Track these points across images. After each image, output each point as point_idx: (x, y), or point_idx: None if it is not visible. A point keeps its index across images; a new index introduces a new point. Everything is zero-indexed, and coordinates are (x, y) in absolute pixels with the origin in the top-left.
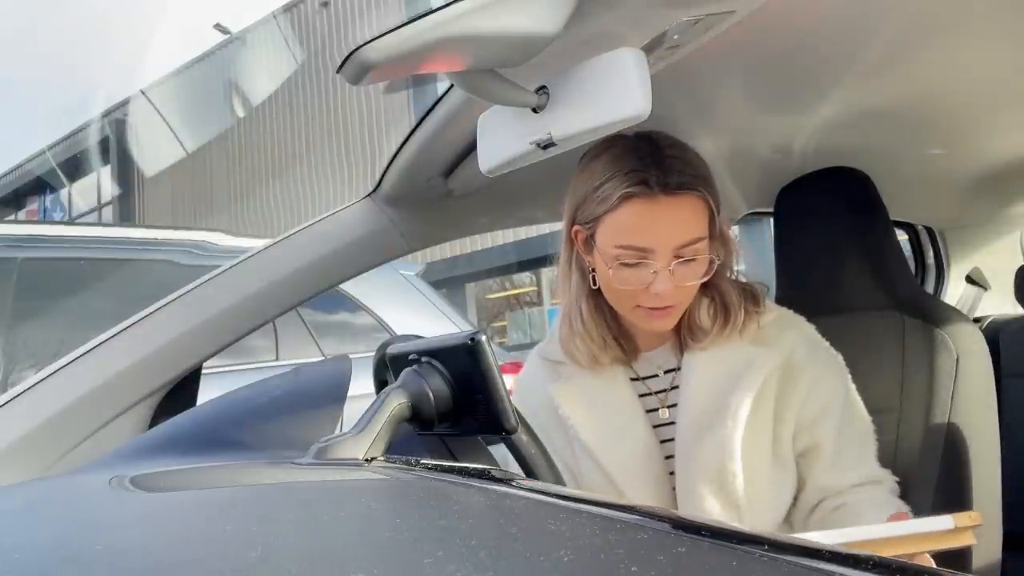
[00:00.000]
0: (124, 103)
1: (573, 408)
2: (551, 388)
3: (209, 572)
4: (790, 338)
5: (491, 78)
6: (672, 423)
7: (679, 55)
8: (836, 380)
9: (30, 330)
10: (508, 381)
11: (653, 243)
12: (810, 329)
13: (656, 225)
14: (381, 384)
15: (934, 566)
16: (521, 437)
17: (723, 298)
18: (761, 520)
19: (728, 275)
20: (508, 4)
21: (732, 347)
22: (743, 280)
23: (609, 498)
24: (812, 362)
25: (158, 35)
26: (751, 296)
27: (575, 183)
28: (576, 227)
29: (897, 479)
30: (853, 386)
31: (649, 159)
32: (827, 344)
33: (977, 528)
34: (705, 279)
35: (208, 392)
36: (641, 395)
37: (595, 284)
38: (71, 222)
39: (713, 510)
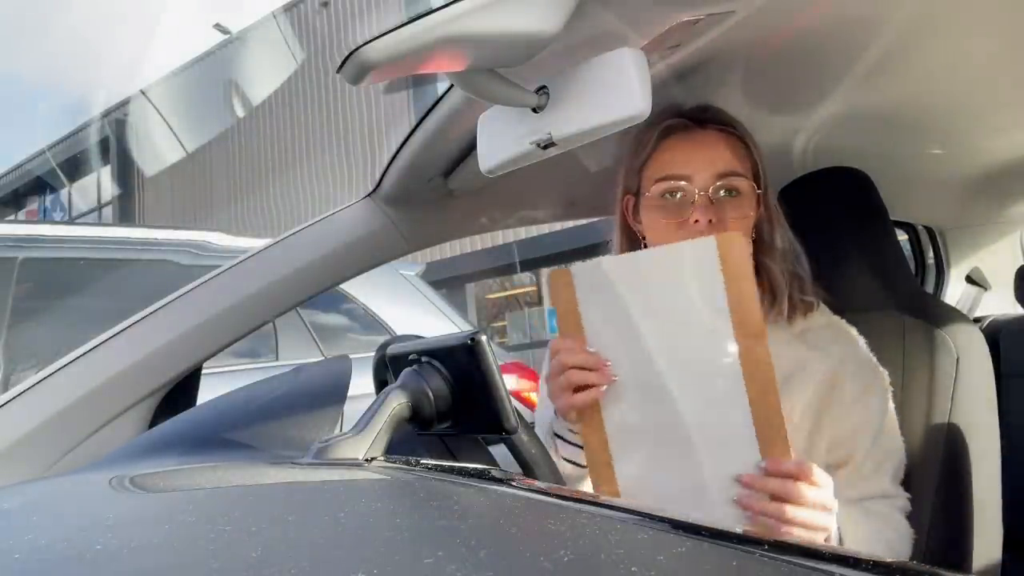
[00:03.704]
0: (124, 103)
1: None
2: None
3: (209, 572)
4: (840, 348)
5: (491, 78)
6: None
7: (679, 55)
8: (879, 398)
9: (30, 330)
10: (508, 381)
11: (691, 169)
12: (861, 342)
13: (693, 154)
14: (381, 384)
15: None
16: (521, 437)
17: (772, 280)
18: None
19: (780, 259)
20: (508, 4)
21: (784, 345)
22: (802, 272)
23: (609, 498)
24: (858, 377)
25: (158, 35)
26: (799, 284)
27: (625, 153)
28: (627, 196)
29: (909, 496)
30: (892, 404)
31: (684, 105)
32: (875, 360)
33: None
34: (749, 218)
35: (208, 392)
36: None
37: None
38: (71, 222)
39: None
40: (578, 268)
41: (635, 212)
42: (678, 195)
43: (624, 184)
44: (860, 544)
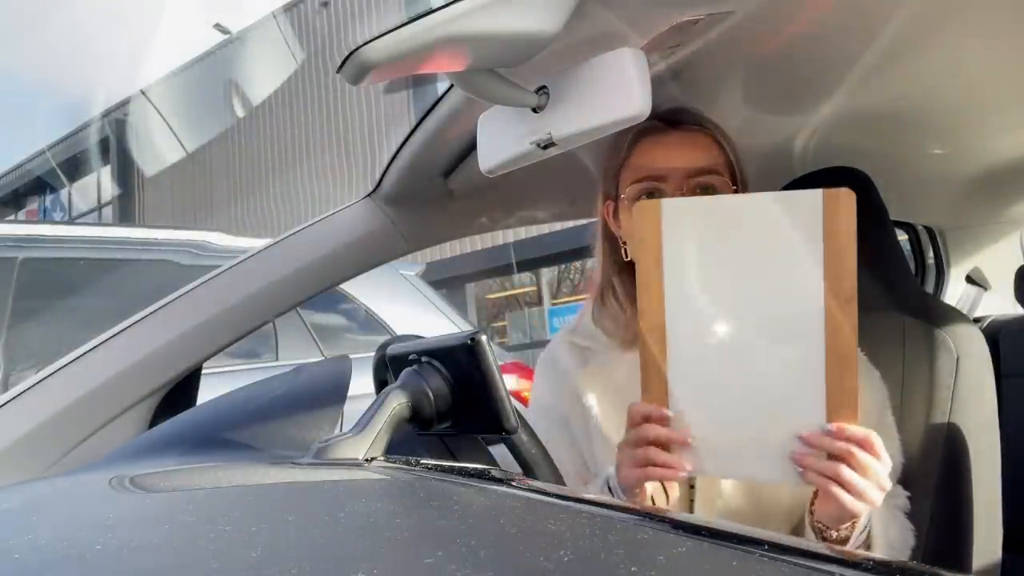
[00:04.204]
0: (124, 103)
1: (597, 396)
2: (577, 376)
3: (209, 572)
4: None
5: (491, 78)
6: None
7: (679, 55)
8: (872, 397)
9: (30, 330)
10: (508, 381)
11: (665, 169)
12: None
13: (667, 153)
14: (381, 384)
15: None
16: (521, 437)
17: None
18: (775, 521)
19: None
20: (508, 4)
21: None
22: None
23: (609, 498)
24: None
25: (158, 35)
26: None
27: (603, 159)
28: (607, 202)
29: (908, 494)
30: (888, 403)
31: (659, 110)
32: (866, 359)
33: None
34: None
35: (208, 392)
36: None
37: (627, 256)
38: (71, 222)
39: (730, 504)
40: (668, 203)
41: (615, 216)
42: (655, 195)
43: (603, 190)
44: (872, 537)
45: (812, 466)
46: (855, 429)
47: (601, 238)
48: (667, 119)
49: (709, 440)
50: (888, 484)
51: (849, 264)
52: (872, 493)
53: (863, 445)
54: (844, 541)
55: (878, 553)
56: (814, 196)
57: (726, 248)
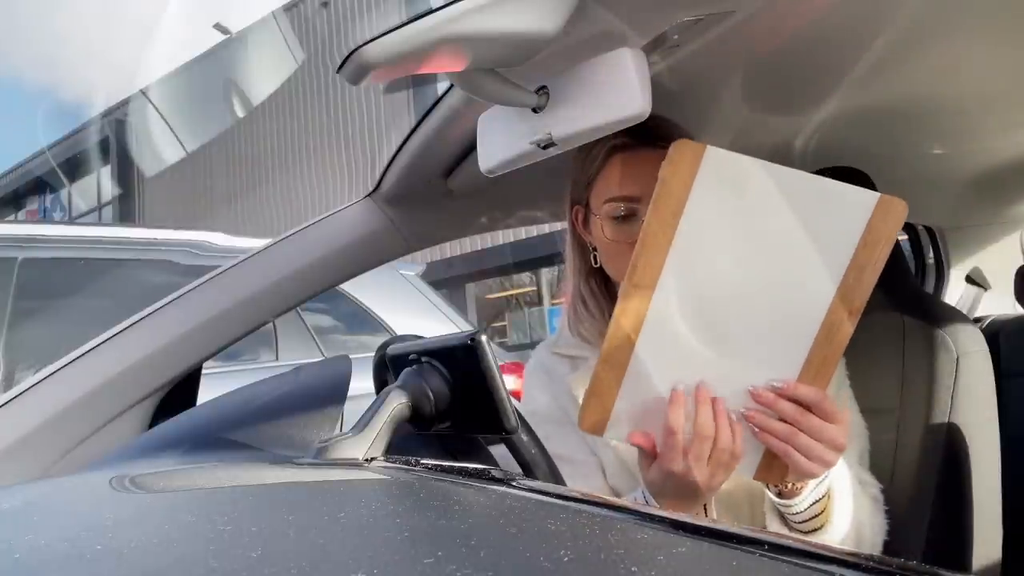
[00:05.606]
0: (124, 103)
1: None
2: (569, 379)
3: (209, 572)
4: None
5: (491, 78)
6: None
7: (679, 55)
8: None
9: (30, 330)
10: (508, 381)
11: (639, 191)
12: None
13: (641, 174)
14: (381, 384)
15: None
16: (521, 437)
17: None
18: (760, 509)
19: None
20: (508, 4)
21: None
22: None
23: (609, 498)
24: None
25: (158, 35)
26: None
27: (572, 166)
28: (576, 207)
29: (882, 487)
30: (848, 384)
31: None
32: None
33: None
34: None
35: (208, 392)
36: None
37: (596, 263)
38: (71, 222)
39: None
40: (714, 151)
41: (585, 223)
42: (628, 215)
43: (572, 197)
44: (842, 516)
45: (762, 424)
46: (805, 390)
47: (571, 245)
48: (640, 136)
49: (652, 410)
50: (844, 443)
51: (870, 279)
52: (824, 454)
53: (813, 408)
54: (796, 493)
55: (841, 522)
56: (868, 197)
57: (754, 220)
